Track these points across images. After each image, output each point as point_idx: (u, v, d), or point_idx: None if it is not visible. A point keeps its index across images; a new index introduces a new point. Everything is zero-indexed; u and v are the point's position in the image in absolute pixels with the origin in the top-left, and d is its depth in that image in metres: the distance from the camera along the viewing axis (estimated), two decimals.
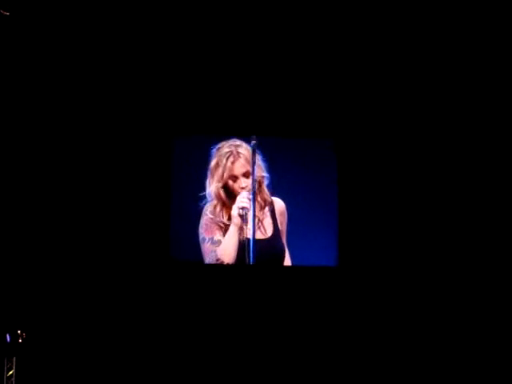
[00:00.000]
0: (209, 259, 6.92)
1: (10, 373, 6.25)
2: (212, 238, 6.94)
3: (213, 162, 6.96)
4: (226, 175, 6.91)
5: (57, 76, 7.01)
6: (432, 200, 7.22)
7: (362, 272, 7.12)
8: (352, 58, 7.29)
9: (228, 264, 6.88)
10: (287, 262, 7.06)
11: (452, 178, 7.25)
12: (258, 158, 6.95)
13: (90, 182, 6.99)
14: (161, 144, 7.10)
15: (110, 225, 6.98)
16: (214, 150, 6.99)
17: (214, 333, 6.88)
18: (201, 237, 6.95)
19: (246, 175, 6.91)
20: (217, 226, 6.95)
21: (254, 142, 6.83)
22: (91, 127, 7.06)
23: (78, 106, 7.05)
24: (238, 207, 6.85)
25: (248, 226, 6.76)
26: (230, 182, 6.93)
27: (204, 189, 6.99)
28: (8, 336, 6.24)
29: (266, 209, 7.04)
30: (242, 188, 6.88)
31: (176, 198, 7.07)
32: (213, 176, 6.95)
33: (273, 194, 7.06)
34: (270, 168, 7.02)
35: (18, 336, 6.27)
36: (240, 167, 6.91)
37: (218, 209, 6.95)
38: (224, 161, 6.91)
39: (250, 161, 6.86)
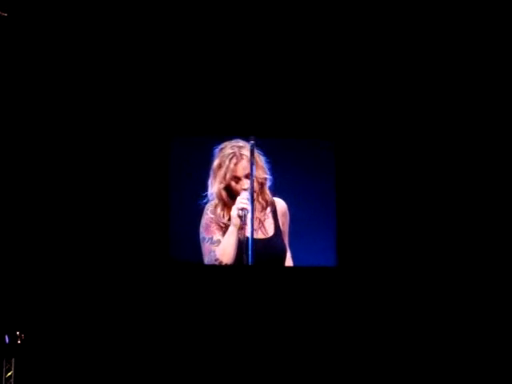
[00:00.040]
0: (208, 259, 6.93)
1: (9, 374, 6.25)
2: (211, 238, 6.95)
3: (215, 163, 6.96)
4: (228, 176, 6.92)
5: (55, 76, 7.02)
6: (430, 201, 7.23)
7: (361, 272, 7.12)
8: (352, 61, 7.29)
9: (227, 264, 6.87)
10: (289, 262, 7.06)
11: (450, 179, 7.26)
12: (262, 160, 6.98)
13: (88, 183, 6.99)
14: (159, 144, 7.09)
15: (110, 226, 6.98)
16: (217, 150, 7.00)
17: (213, 333, 6.88)
18: (201, 236, 6.97)
19: (248, 176, 6.91)
20: (217, 226, 6.95)
21: (252, 142, 6.83)
22: (90, 128, 7.06)
23: (77, 107, 7.05)
24: (238, 208, 6.87)
25: (247, 227, 6.76)
26: (233, 183, 6.94)
27: (204, 188, 7.00)
28: (7, 337, 6.24)
29: (268, 209, 7.05)
30: (245, 189, 6.89)
31: (175, 198, 7.07)
32: (215, 176, 6.95)
33: (274, 194, 7.05)
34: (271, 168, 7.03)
35: (17, 337, 6.26)
36: (243, 168, 6.91)
37: (219, 209, 6.96)
38: (227, 162, 6.91)
39: (247, 159, 6.87)
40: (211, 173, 6.98)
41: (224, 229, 6.94)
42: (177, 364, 6.82)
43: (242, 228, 6.86)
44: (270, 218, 7.05)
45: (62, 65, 7.01)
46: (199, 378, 6.79)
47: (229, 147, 6.97)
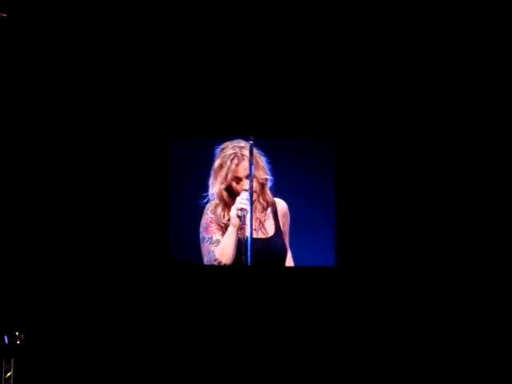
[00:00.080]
0: (207, 258, 6.93)
1: (9, 374, 6.26)
2: (211, 238, 6.95)
3: (216, 163, 6.96)
4: (229, 177, 6.92)
5: (54, 77, 7.01)
6: (429, 201, 7.20)
7: (361, 272, 7.12)
8: (352, 61, 7.28)
9: (225, 264, 6.88)
10: (290, 262, 7.06)
11: (450, 179, 7.24)
12: (262, 160, 6.98)
13: (87, 183, 6.99)
14: (158, 144, 7.09)
15: (110, 226, 6.98)
16: (218, 149, 7.00)
17: (211, 334, 6.87)
18: (201, 236, 6.97)
19: (249, 177, 6.91)
20: (217, 226, 6.95)
21: (251, 142, 6.84)
22: (89, 128, 7.06)
23: (76, 106, 7.05)
24: (237, 208, 6.87)
25: (247, 227, 6.77)
26: (234, 184, 6.93)
27: (203, 188, 6.99)
28: (6, 337, 6.24)
29: (269, 210, 7.05)
30: (245, 190, 6.88)
31: (174, 199, 7.07)
32: (216, 177, 6.95)
33: (274, 195, 7.06)
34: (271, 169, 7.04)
35: (16, 337, 6.27)
36: (244, 169, 6.90)
37: (219, 209, 6.96)
38: (228, 162, 6.91)
39: (248, 160, 6.86)
40: (212, 173, 6.98)
41: (224, 229, 6.94)
42: (175, 364, 6.82)
43: (241, 228, 6.86)
44: (270, 218, 7.05)
45: (60, 65, 7.01)
46: (198, 378, 6.79)
47: (230, 147, 6.97)
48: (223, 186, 6.93)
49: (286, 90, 7.25)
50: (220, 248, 6.91)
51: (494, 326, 7.05)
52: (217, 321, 6.87)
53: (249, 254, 6.75)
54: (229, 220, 6.91)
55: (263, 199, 7.02)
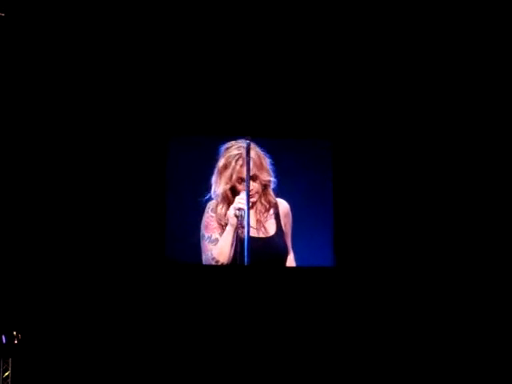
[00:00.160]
0: (206, 257, 6.94)
1: (6, 374, 6.27)
2: (210, 236, 6.97)
3: (221, 162, 6.97)
4: (234, 177, 6.92)
5: (53, 77, 7.02)
6: (426, 202, 7.22)
7: (359, 272, 7.12)
8: (349, 61, 7.28)
9: (223, 264, 6.88)
10: (291, 262, 7.06)
11: (447, 178, 7.25)
12: (267, 162, 7.00)
13: (85, 182, 7.00)
14: (156, 144, 7.09)
15: (109, 226, 6.99)
16: (222, 148, 7.01)
17: (209, 333, 6.87)
18: (201, 234, 6.99)
19: (253, 178, 6.92)
20: (217, 225, 6.97)
21: (247, 141, 6.84)
22: (88, 128, 7.07)
23: (75, 106, 7.06)
24: (235, 208, 6.88)
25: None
26: (237, 184, 6.93)
27: (201, 188, 6.99)
28: (4, 337, 6.25)
29: (271, 211, 7.05)
30: (249, 191, 6.89)
31: (172, 199, 7.07)
32: (221, 176, 6.96)
33: (276, 195, 7.06)
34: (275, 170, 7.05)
35: (14, 337, 6.27)
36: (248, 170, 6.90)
37: (221, 207, 6.97)
38: (233, 163, 6.92)
39: (252, 161, 6.86)
40: (216, 171, 6.99)
41: (224, 228, 6.95)
42: (172, 364, 6.82)
43: (239, 228, 6.86)
44: (272, 218, 7.06)
45: (59, 65, 7.03)
46: (196, 378, 6.79)
47: (235, 148, 6.97)
48: (228, 187, 6.94)
49: (285, 89, 7.26)
50: (218, 247, 6.92)
51: (493, 325, 7.05)
52: (214, 320, 6.87)
53: (246, 253, 6.75)
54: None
55: (265, 200, 7.03)
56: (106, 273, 6.90)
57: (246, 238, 6.78)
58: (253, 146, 6.94)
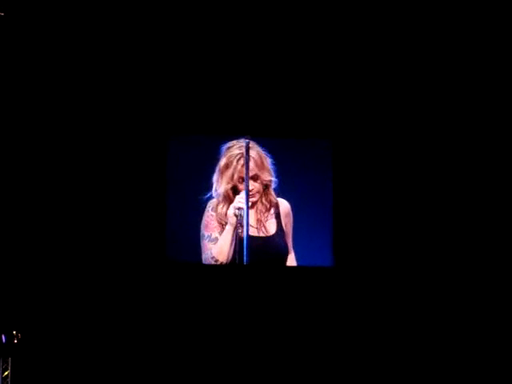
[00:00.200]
0: (205, 256, 6.94)
1: (6, 373, 6.27)
2: (210, 236, 6.96)
3: (222, 162, 6.95)
4: (236, 177, 6.92)
5: (52, 76, 7.01)
6: (426, 202, 7.20)
7: (358, 272, 7.11)
8: (349, 60, 7.27)
9: (222, 263, 6.88)
10: (292, 262, 7.05)
11: (447, 178, 7.23)
12: (268, 162, 6.98)
13: (84, 182, 6.99)
14: (156, 144, 7.09)
15: (109, 226, 6.98)
16: (224, 148, 6.98)
17: (209, 333, 6.87)
18: (201, 233, 6.99)
19: (254, 178, 6.92)
20: (217, 224, 6.96)
21: (247, 141, 6.84)
22: (88, 127, 7.06)
23: (74, 106, 7.05)
24: (234, 207, 6.87)
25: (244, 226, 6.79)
26: (239, 184, 6.93)
27: (202, 188, 6.99)
28: (3, 337, 6.25)
29: (272, 211, 7.05)
30: (250, 190, 6.88)
31: (172, 198, 7.07)
32: (222, 176, 6.95)
33: (277, 195, 7.06)
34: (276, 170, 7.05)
35: (14, 336, 6.27)
36: (249, 170, 6.89)
37: (221, 207, 6.96)
38: (235, 162, 6.90)
39: (253, 161, 6.87)
40: (217, 170, 6.97)
41: (224, 227, 6.94)
42: (172, 364, 6.82)
43: (239, 227, 6.86)
44: (272, 218, 7.06)
45: (58, 64, 7.01)
46: (196, 378, 6.79)
47: (236, 147, 6.95)
48: (229, 186, 6.93)
49: (284, 88, 7.25)
50: (218, 246, 6.92)
51: (493, 324, 7.05)
52: (213, 320, 6.87)
53: (245, 252, 6.74)
54: None
55: (266, 200, 7.02)
56: (106, 272, 6.89)
57: (245, 237, 6.77)
58: (254, 145, 6.94)
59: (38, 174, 6.94)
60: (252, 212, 6.96)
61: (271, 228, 7.04)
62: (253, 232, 6.93)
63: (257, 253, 6.85)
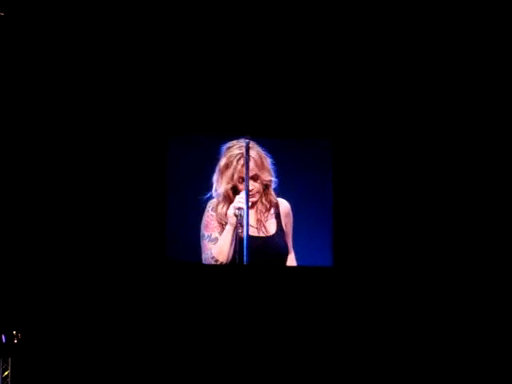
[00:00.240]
0: (205, 256, 6.94)
1: (6, 373, 6.27)
2: (210, 236, 6.97)
3: (222, 162, 6.96)
4: (236, 177, 6.92)
5: (52, 76, 7.02)
6: (426, 202, 7.20)
7: (357, 272, 7.11)
8: (349, 60, 7.27)
9: (222, 263, 6.88)
10: (292, 262, 7.05)
11: (447, 178, 7.23)
12: (268, 162, 6.99)
13: (84, 182, 6.99)
14: (156, 144, 7.09)
15: (109, 226, 6.98)
16: (224, 148, 6.99)
17: (209, 332, 6.88)
18: (201, 233, 6.99)
19: (254, 178, 6.92)
20: (217, 224, 6.97)
21: (247, 140, 6.84)
22: (87, 127, 7.06)
23: (74, 106, 7.05)
24: (234, 207, 6.88)
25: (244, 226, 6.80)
26: (239, 184, 6.93)
27: (202, 188, 6.99)
28: (3, 337, 6.25)
29: (272, 211, 7.05)
30: (250, 190, 6.88)
31: (172, 198, 7.08)
32: (222, 176, 6.95)
33: (277, 195, 7.06)
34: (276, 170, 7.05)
35: (14, 337, 6.27)
36: (249, 170, 6.89)
37: (221, 207, 6.97)
38: (235, 162, 6.91)
39: (253, 161, 6.88)
40: (217, 170, 6.98)
41: (224, 227, 6.95)
42: (172, 364, 6.82)
43: (239, 227, 6.86)
44: (272, 218, 7.06)
45: (58, 64, 7.02)
46: (196, 378, 6.79)
47: (236, 147, 6.96)
48: (229, 186, 6.94)
49: (284, 89, 7.25)
50: (218, 246, 6.92)
51: (493, 324, 7.05)
52: (213, 320, 6.87)
53: (245, 252, 6.75)
54: None
55: (266, 200, 7.02)
56: (107, 272, 6.89)
57: (244, 237, 6.77)
58: (254, 145, 6.94)
59: (39, 175, 6.95)
60: (252, 212, 6.96)
61: (271, 228, 7.05)
62: (253, 232, 6.94)
63: (257, 253, 6.86)
